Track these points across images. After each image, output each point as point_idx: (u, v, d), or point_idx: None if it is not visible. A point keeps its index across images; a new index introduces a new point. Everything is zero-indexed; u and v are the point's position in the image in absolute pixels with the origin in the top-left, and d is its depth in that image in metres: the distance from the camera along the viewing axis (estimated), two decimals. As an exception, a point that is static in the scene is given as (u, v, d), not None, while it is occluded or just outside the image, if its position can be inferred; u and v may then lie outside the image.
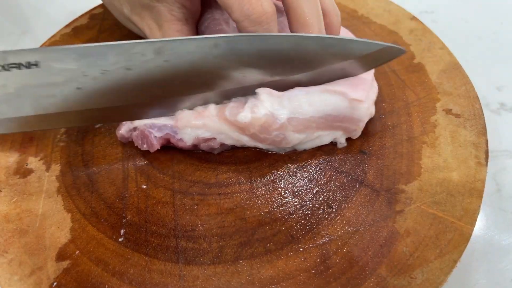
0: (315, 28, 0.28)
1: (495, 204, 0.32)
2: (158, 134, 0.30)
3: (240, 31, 0.28)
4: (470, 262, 0.29)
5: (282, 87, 0.30)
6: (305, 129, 0.30)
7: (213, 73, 0.29)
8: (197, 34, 0.34)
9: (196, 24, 0.34)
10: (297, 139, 0.30)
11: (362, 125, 0.31)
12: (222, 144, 0.31)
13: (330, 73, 0.30)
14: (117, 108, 0.30)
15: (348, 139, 0.32)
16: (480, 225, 0.31)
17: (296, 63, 0.29)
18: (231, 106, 0.29)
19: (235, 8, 0.27)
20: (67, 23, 0.42)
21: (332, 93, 0.30)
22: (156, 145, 0.31)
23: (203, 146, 0.31)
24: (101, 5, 0.44)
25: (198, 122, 0.30)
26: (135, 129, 0.31)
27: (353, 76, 0.30)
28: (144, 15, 0.32)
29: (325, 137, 0.31)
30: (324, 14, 0.30)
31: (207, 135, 0.30)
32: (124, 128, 0.31)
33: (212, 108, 0.30)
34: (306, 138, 0.30)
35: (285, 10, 0.29)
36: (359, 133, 0.31)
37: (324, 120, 0.30)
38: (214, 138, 0.30)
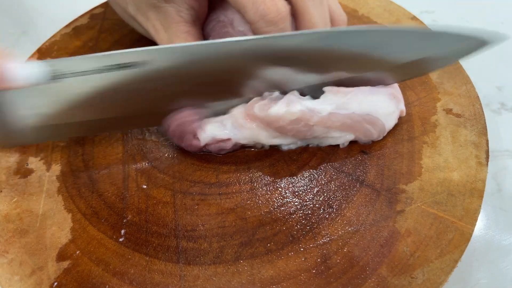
0: None
1: (496, 204, 0.32)
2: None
3: (254, 33, 0.28)
4: (471, 262, 0.29)
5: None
6: (340, 126, 0.30)
7: (248, 74, 0.28)
8: (203, 36, 0.33)
9: (202, 26, 0.34)
10: (321, 131, 0.30)
11: (384, 132, 0.31)
12: (234, 145, 0.31)
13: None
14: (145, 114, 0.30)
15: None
16: (480, 225, 0.31)
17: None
18: (260, 104, 0.29)
19: (249, 9, 0.26)
20: (67, 23, 0.42)
21: (374, 94, 0.30)
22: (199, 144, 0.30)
23: (213, 147, 0.31)
24: (101, 5, 0.44)
25: (221, 133, 0.30)
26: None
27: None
28: (150, 16, 0.31)
29: (347, 136, 0.31)
30: (331, 20, 0.30)
31: (223, 135, 0.30)
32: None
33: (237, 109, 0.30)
34: (326, 134, 0.30)
35: (293, 14, 0.29)
36: (377, 138, 0.31)
37: (361, 119, 0.29)
38: (229, 139, 0.30)
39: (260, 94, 0.30)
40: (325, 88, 0.30)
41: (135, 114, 0.29)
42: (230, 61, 0.27)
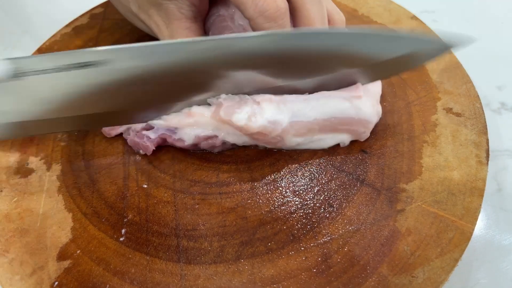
0: None
1: (496, 203, 0.32)
2: (153, 135, 0.30)
3: (253, 29, 0.28)
4: (471, 261, 0.29)
5: (280, 92, 0.30)
6: (307, 133, 0.30)
7: (212, 74, 0.28)
8: (205, 32, 0.33)
9: (204, 21, 0.34)
10: (295, 142, 0.30)
11: (371, 126, 0.31)
12: (224, 143, 0.31)
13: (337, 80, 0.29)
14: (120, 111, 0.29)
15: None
16: (481, 225, 0.31)
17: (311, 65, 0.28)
18: (226, 106, 0.29)
19: (249, 5, 0.27)
20: (67, 22, 0.42)
21: (329, 97, 0.29)
22: (151, 147, 0.31)
23: (204, 144, 0.31)
24: (102, 5, 0.44)
25: (190, 121, 0.29)
26: (128, 131, 0.31)
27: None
28: (152, 13, 0.32)
29: (328, 140, 0.31)
30: (329, 20, 0.30)
31: (208, 133, 0.30)
32: (121, 130, 0.32)
33: (203, 108, 0.30)
34: (305, 141, 0.30)
35: (291, 12, 0.29)
36: (367, 135, 0.31)
37: (329, 123, 0.29)
38: (216, 136, 0.30)
39: (226, 92, 0.30)
40: (258, 98, 0.29)
41: (99, 112, 0.29)
42: (190, 61, 0.27)
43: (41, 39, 0.41)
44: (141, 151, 0.31)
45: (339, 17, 0.32)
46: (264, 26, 0.27)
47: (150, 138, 0.30)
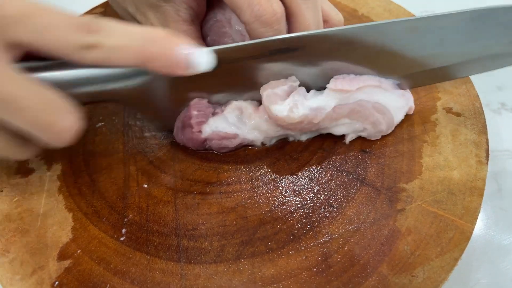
0: None
1: (496, 203, 0.32)
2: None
3: (249, 33, 0.28)
4: (471, 261, 0.29)
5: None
6: (341, 117, 0.30)
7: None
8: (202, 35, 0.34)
9: (201, 25, 0.34)
10: (328, 123, 0.30)
11: (391, 127, 0.31)
12: (239, 143, 0.31)
13: None
14: None
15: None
16: (480, 225, 0.31)
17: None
18: (267, 93, 0.29)
19: (245, 10, 0.26)
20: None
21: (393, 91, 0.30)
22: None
23: (215, 143, 0.31)
24: (101, 5, 0.44)
25: (224, 126, 0.30)
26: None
27: None
28: (149, 15, 0.32)
29: (350, 127, 0.31)
30: (325, 21, 0.30)
31: (227, 130, 0.30)
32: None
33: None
34: (330, 125, 0.31)
35: (286, 16, 0.29)
36: (378, 136, 0.31)
37: (370, 105, 0.30)
38: (236, 135, 0.30)
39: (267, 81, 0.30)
40: (329, 85, 0.29)
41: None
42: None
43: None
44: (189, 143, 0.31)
45: (337, 17, 0.32)
46: (260, 31, 0.27)
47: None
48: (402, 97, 0.31)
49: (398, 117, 0.31)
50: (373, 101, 0.30)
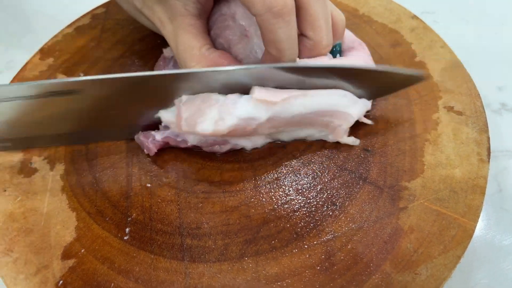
0: (323, 29, 0.29)
1: (497, 204, 0.32)
2: (159, 137, 0.31)
3: (260, 25, 0.28)
4: (472, 261, 0.29)
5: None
6: (284, 126, 0.30)
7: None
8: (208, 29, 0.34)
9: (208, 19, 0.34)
10: (268, 131, 0.30)
11: (351, 120, 0.31)
12: (229, 149, 0.31)
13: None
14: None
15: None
16: (481, 225, 0.31)
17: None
18: (185, 118, 0.28)
19: (257, 1, 0.26)
20: (69, 23, 0.42)
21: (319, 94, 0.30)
22: (153, 149, 0.31)
23: (206, 149, 0.31)
24: (103, 5, 0.44)
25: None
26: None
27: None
28: (156, 9, 0.32)
29: (304, 133, 0.31)
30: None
31: (216, 139, 0.30)
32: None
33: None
34: (276, 132, 0.31)
35: (296, 10, 0.29)
36: (344, 128, 0.31)
37: (313, 115, 0.29)
38: (226, 142, 0.30)
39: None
40: (254, 94, 0.29)
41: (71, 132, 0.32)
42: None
43: (43, 39, 0.41)
44: (145, 151, 0.31)
45: (340, 17, 0.32)
46: (271, 22, 0.27)
47: (154, 139, 0.31)
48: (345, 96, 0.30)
49: (355, 110, 0.30)
50: (310, 109, 0.29)
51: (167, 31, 0.32)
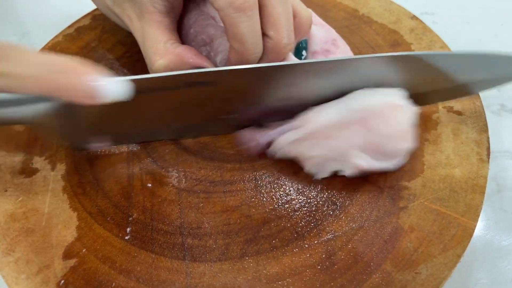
0: (283, 28, 0.29)
1: (496, 204, 0.32)
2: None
3: (223, 20, 0.28)
4: (471, 262, 0.30)
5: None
6: None
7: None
8: (184, 28, 0.34)
9: (178, 17, 0.34)
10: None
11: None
12: None
13: None
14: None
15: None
16: (481, 226, 0.31)
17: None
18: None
19: None
20: (69, 24, 0.42)
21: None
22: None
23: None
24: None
25: None
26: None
27: None
28: (125, 7, 0.33)
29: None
30: (294, 16, 0.31)
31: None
32: None
33: None
34: None
35: (259, 8, 0.29)
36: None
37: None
38: None
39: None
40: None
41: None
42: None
43: (43, 40, 0.41)
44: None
45: (305, 13, 0.32)
46: (233, 16, 0.27)
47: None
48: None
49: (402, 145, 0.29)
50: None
51: (135, 28, 0.33)
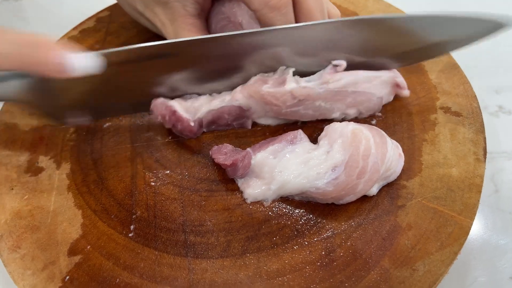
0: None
1: (493, 204, 0.33)
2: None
3: (259, 20, 0.29)
4: (469, 260, 0.30)
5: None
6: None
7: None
8: (208, 28, 0.35)
9: (207, 18, 0.35)
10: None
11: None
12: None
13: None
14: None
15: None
16: (478, 225, 0.32)
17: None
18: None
19: None
20: (73, 26, 0.43)
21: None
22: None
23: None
24: (107, 8, 0.45)
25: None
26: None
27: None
28: (157, 11, 0.33)
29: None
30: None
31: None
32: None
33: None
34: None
35: (293, 5, 0.30)
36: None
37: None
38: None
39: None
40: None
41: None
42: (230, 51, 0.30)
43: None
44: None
45: (335, 12, 0.33)
46: (269, 16, 0.29)
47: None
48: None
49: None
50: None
51: (168, 32, 0.33)
